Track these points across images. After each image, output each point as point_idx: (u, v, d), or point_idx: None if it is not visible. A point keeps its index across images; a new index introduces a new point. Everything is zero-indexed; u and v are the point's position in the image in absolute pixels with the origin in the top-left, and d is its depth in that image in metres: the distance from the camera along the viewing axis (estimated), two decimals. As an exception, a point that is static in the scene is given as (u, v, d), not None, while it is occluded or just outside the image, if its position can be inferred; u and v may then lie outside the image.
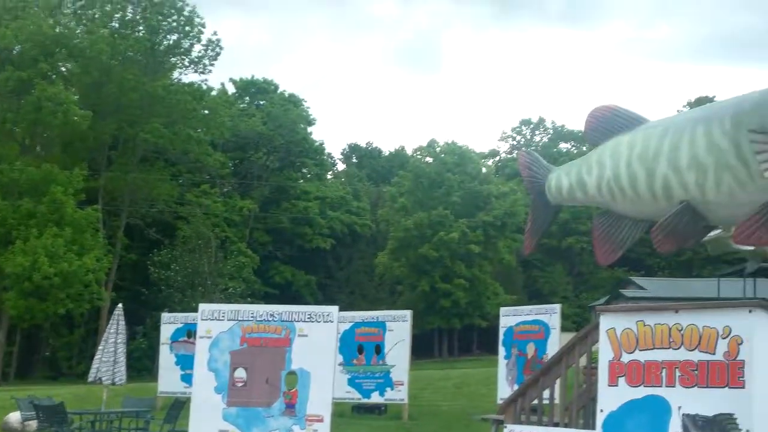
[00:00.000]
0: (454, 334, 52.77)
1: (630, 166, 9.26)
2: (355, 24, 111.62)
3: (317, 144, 56.02)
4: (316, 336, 9.60)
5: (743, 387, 6.07)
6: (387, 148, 75.54)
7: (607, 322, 6.77)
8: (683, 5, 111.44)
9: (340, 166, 70.34)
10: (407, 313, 16.90)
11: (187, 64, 42.90)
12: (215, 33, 43.88)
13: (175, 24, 41.12)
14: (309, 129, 55.00)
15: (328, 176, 63.37)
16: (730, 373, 6.12)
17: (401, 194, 50.90)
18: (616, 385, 6.83)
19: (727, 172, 8.18)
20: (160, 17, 40.62)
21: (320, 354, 9.61)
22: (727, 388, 6.17)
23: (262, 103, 54.51)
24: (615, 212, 9.79)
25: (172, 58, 42.55)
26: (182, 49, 42.26)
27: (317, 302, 51.72)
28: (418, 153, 57.60)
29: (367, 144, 73.92)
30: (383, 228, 54.00)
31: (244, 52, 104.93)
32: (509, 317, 15.98)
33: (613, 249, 9.85)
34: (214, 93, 49.21)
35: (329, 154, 66.55)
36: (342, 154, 71.83)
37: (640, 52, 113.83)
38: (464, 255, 47.09)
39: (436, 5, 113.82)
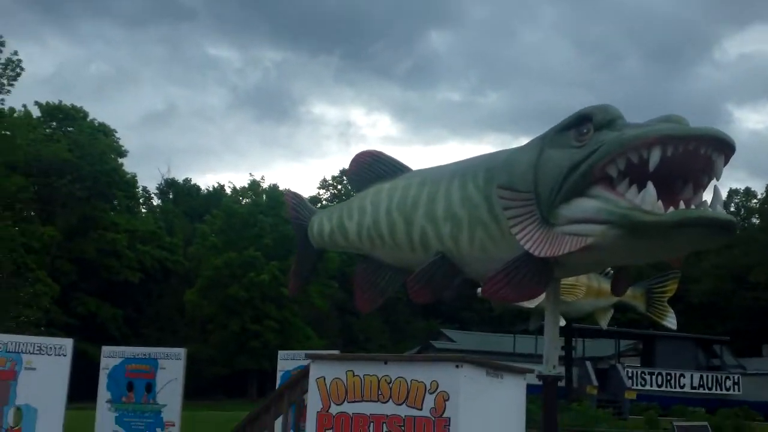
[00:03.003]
0: (266, 375, 52.00)
1: (389, 214, 9.14)
2: (193, 64, 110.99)
3: (129, 176, 54.27)
4: (45, 370, 8.84)
5: (447, 445, 5.86)
6: (206, 186, 75.03)
7: (316, 370, 6.44)
8: (508, 78, 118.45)
9: (156, 202, 68.96)
10: (181, 351, 16.06)
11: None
12: (16, 53, 42.26)
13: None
14: (120, 161, 53.25)
15: (143, 210, 61.67)
16: (436, 431, 5.90)
17: (213, 233, 49.99)
18: (324, 438, 6.49)
19: (480, 227, 8.14)
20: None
21: (50, 390, 8.85)
22: (431, 445, 5.93)
23: (70, 129, 52.38)
24: (376, 260, 9.66)
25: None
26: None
27: (124, 336, 49.97)
28: (240, 194, 56.87)
29: (184, 181, 72.98)
30: (195, 265, 52.82)
31: (72, 80, 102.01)
32: (287, 361, 15.68)
33: (374, 297, 9.69)
34: (16, 115, 47.55)
35: (144, 187, 65.02)
36: (158, 189, 70.44)
37: (471, 117, 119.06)
38: (275, 297, 46.57)
39: (277, 53, 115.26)
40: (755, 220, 63.56)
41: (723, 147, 6.65)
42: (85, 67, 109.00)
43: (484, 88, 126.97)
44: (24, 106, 51.19)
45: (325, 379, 6.27)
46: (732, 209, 65.37)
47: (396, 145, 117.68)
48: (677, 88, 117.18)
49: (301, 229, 10.58)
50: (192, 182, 74.60)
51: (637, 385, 29.09)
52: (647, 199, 6.56)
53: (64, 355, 8.94)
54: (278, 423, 9.27)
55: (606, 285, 19.01)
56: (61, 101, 54.30)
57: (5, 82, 41.44)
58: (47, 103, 53.62)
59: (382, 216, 9.18)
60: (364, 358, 6.37)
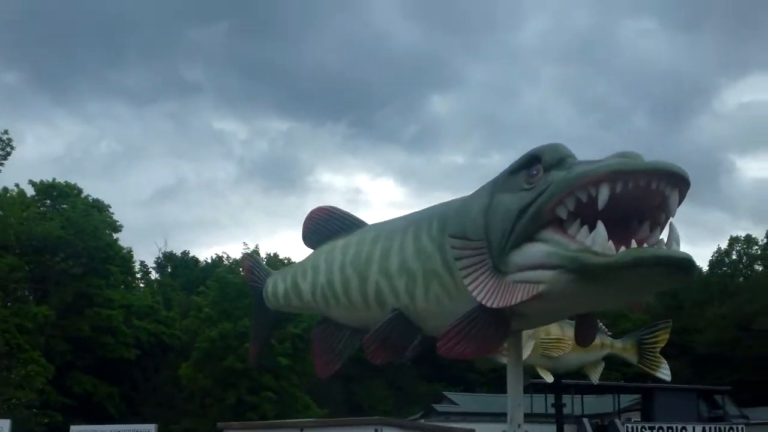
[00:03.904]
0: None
1: (343, 271, 8.72)
2: (199, 138, 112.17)
3: (125, 251, 53.94)
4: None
5: None
6: (205, 258, 74.69)
7: None
8: (511, 139, 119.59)
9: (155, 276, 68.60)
10: (151, 427, 15.71)
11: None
12: (6, 132, 42.27)
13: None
14: (115, 236, 53.02)
15: (141, 285, 61.30)
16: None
17: (207, 304, 49.50)
18: None
19: (435, 279, 7.72)
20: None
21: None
22: None
23: (64, 206, 52.25)
24: (333, 321, 9.22)
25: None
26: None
27: (121, 414, 49.11)
28: (238, 265, 56.37)
29: (182, 253, 72.62)
30: (191, 338, 52.16)
31: (82, 159, 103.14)
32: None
33: (332, 360, 9.21)
34: (12, 194, 47.67)
35: (142, 262, 64.68)
36: (155, 262, 70.13)
37: (474, 179, 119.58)
38: (272, 367, 45.81)
39: (283, 124, 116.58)
40: (758, 267, 63.02)
41: (676, 181, 6.27)
42: (94, 145, 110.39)
43: (487, 150, 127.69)
44: (16, 185, 51.21)
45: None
46: (734, 257, 64.86)
47: (400, 209, 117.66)
48: (680, 140, 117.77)
49: (257, 292, 10.20)
50: (190, 255, 74.39)
51: (637, 440, 28.23)
52: (597, 240, 6.18)
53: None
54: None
55: (595, 339, 18.48)
56: (54, 179, 54.33)
57: None
58: (41, 181, 53.55)
59: (336, 274, 8.79)
60: (278, 426, 5.86)
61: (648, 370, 18.44)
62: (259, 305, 10.21)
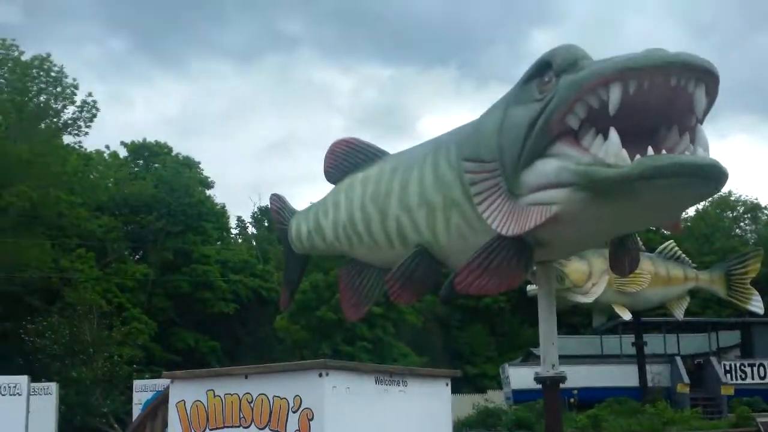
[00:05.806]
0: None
1: (364, 207, 8.04)
2: (304, 92, 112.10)
3: (218, 207, 54.56)
4: (1, 410, 8.08)
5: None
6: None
7: (177, 392, 5.28)
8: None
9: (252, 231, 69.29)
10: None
11: (61, 126, 41.19)
12: (90, 94, 42.59)
13: (43, 85, 39.53)
14: (208, 192, 53.72)
15: (239, 240, 61.98)
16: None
17: (299, 256, 49.68)
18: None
19: (455, 210, 6.97)
20: (26, 78, 38.87)
21: (8, 429, 8.10)
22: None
23: (156, 166, 53.08)
24: (358, 261, 8.64)
25: (46, 121, 40.74)
26: (52, 111, 40.49)
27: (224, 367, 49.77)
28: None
29: (277, 207, 73.14)
30: (285, 291, 52.52)
31: (192, 119, 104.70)
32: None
33: (359, 303, 8.62)
34: (106, 156, 48.54)
35: (239, 217, 65.39)
36: (252, 217, 70.74)
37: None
38: (366, 316, 45.62)
39: (387, 71, 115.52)
40: None
41: (700, 74, 5.35)
42: (201, 104, 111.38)
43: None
44: (107, 146, 52.19)
45: (185, 402, 5.13)
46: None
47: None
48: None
49: (284, 234, 9.65)
50: (284, 208, 74.58)
51: (736, 378, 26.63)
52: (609, 149, 5.35)
53: (20, 394, 8.22)
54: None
55: (677, 271, 17.34)
56: (145, 139, 55.17)
57: (82, 124, 41.90)
58: (132, 142, 54.45)
59: (357, 211, 8.15)
60: (224, 373, 5.26)
61: (738, 302, 17.22)
62: (287, 249, 9.66)
